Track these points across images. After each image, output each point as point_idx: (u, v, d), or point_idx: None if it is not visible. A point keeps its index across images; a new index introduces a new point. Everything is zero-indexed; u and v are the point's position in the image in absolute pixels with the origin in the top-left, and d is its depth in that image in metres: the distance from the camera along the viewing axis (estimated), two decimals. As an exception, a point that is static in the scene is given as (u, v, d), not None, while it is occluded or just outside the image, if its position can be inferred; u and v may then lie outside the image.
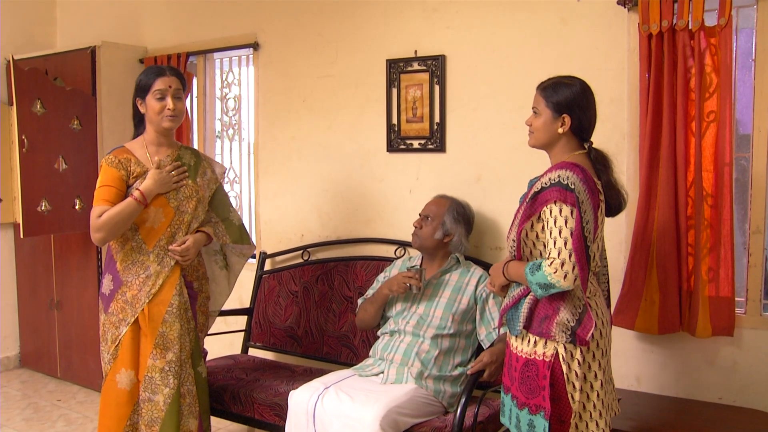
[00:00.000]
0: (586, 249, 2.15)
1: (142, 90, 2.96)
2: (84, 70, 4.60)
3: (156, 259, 2.93)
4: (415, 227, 3.23)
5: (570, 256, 2.12)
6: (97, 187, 2.91)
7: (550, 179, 2.21)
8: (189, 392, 2.98)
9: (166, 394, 2.89)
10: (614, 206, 2.37)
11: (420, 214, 3.26)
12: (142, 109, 2.99)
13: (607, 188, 2.32)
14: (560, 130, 2.31)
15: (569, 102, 2.29)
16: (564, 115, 2.29)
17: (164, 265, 2.94)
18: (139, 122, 3.05)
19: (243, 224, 3.27)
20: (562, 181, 2.17)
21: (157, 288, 2.91)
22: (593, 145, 2.36)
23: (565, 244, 2.13)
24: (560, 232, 2.14)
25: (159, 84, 2.93)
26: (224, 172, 3.34)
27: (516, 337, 2.35)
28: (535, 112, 2.37)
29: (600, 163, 2.33)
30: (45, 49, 5.15)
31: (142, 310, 2.89)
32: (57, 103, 4.37)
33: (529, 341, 2.29)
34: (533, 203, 2.25)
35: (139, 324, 2.91)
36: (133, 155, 2.95)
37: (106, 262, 3.01)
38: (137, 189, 2.88)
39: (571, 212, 2.13)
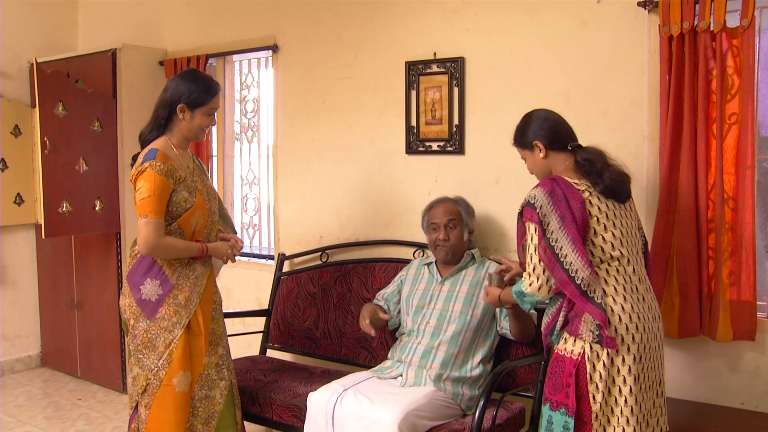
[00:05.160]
0: (555, 256, 2.29)
1: (195, 102, 2.88)
2: (105, 73, 4.65)
3: (200, 259, 2.95)
4: (443, 240, 3.19)
5: (538, 269, 2.34)
6: (146, 194, 2.76)
7: (524, 200, 2.42)
8: (234, 384, 3.06)
9: (222, 386, 2.97)
10: (614, 188, 2.40)
11: (438, 225, 3.21)
12: (181, 116, 2.89)
13: (600, 177, 2.39)
14: (541, 155, 2.52)
15: (528, 132, 2.55)
16: (534, 142, 2.52)
17: (207, 265, 3.00)
18: (165, 124, 2.92)
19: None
20: (530, 200, 2.38)
21: (203, 287, 2.94)
22: (580, 147, 2.49)
23: (531, 258, 2.36)
24: (531, 249, 2.36)
25: (215, 102, 2.94)
26: None
27: None
28: (524, 160, 2.62)
29: (585, 161, 2.44)
30: (67, 52, 5.23)
31: (195, 311, 2.90)
32: (78, 105, 4.41)
33: (564, 339, 2.37)
34: (520, 223, 2.45)
35: (188, 325, 2.88)
36: (172, 161, 2.84)
37: (146, 267, 2.88)
38: (205, 245, 2.91)
39: (535, 229, 2.34)
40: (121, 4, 5.19)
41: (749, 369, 2.92)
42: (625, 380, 2.26)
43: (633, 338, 2.28)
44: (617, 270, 2.35)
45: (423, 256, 3.62)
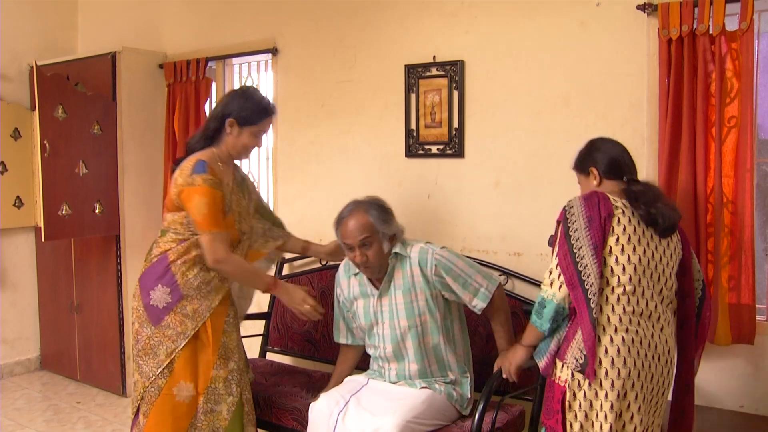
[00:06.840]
0: (572, 255, 2.25)
1: (245, 119, 2.88)
2: (104, 76, 4.66)
3: (218, 274, 2.90)
4: (361, 262, 2.88)
5: (557, 270, 2.28)
6: (204, 209, 2.74)
7: None
8: (247, 401, 3.00)
9: (230, 402, 2.90)
10: (656, 217, 2.30)
11: (352, 246, 2.87)
12: (229, 130, 2.88)
13: (646, 204, 2.31)
14: (595, 182, 2.46)
15: (588, 159, 2.49)
16: (590, 168, 2.47)
17: (225, 281, 2.94)
18: (212, 135, 2.91)
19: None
20: (565, 205, 2.36)
21: (215, 302, 2.89)
22: (635, 180, 2.41)
23: (554, 258, 2.31)
24: (556, 248, 2.32)
25: (265, 125, 2.94)
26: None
27: None
28: (579, 184, 2.55)
29: (637, 192, 2.35)
30: (66, 54, 5.22)
31: (204, 322, 2.86)
32: (78, 108, 4.42)
33: (555, 362, 2.35)
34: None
35: (196, 336, 2.85)
36: (218, 175, 2.83)
37: (159, 273, 2.85)
38: (278, 282, 2.92)
39: (560, 227, 2.31)
40: (120, 7, 5.19)
41: (749, 372, 2.92)
42: (606, 417, 2.22)
43: (618, 373, 2.20)
44: (618, 298, 2.25)
45: (343, 263, 3.21)
